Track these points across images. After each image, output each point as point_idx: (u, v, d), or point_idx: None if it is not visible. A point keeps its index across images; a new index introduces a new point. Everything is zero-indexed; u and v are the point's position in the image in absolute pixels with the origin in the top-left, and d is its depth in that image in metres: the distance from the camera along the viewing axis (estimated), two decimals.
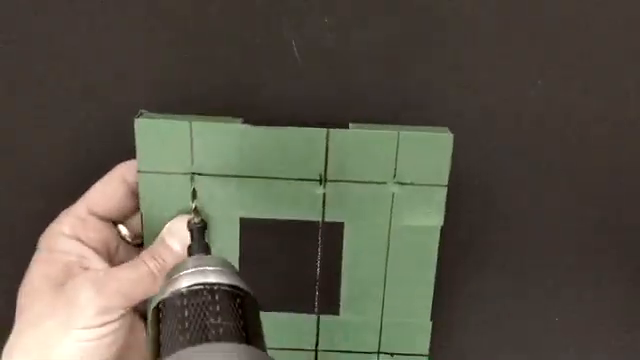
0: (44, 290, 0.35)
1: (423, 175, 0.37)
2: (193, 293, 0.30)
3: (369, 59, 0.44)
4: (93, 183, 0.39)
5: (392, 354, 0.40)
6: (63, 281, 0.35)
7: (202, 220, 0.36)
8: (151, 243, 0.39)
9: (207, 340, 0.28)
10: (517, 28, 0.44)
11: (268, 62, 0.44)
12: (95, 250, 0.37)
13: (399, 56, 0.45)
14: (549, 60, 0.45)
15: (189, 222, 0.36)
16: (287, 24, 0.44)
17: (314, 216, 0.38)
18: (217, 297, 0.30)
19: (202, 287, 0.30)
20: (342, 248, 0.39)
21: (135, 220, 0.39)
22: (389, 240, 0.38)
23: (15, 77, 0.45)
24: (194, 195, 0.37)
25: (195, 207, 0.37)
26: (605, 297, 0.45)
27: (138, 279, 0.35)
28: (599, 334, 0.45)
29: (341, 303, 0.40)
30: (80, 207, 0.38)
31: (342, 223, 0.38)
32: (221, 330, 0.28)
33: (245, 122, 0.38)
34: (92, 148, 0.45)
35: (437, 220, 0.38)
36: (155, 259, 0.36)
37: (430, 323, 0.40)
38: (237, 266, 0.39)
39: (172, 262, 0.36)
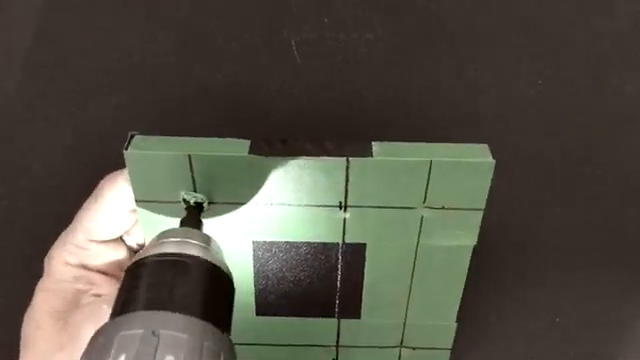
0: (48, 325, 0.33)
1: (458, 200, 0.34)
2: (166, 261, 0.29)
3: (369, 59, 0.44)
4: (93, 183, 0.37)
5: (414, 348, 0.40)
6: (69, 313, 0.33)
7: (201, 198, 0.33)
8: None
9: (162, 308, 0.27)
10: (517, 28, 0.44)
11: (268, 62, 0.44)
12: (104, 273, 0.35)
13: (399, 56, 0.45)
14: (549, 60, 0.45)
15: (184, 199, 0.33)
16: (287, 24, 0.44)
17: (333, 239, 0.36)
18: (188, 270, 0.29)
19: (176, 257, 0.29)
20: (364, 265, 0.36)
21: (139, 228, 0.37)
22: (415, 259, 0.36)
23: (17, 78, 0.45)
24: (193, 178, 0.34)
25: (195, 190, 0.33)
26: (605, 297, 0.45)
27: None
28: (599, 334, 0.45)
29: (362, 311, 0.38)
30: (78, 237, 0.35)
31: (364, 244, 0.36)
32: (182, 301, 0.28)
33: (253, 147, 0.33)
34: (92, 149, 0.45)
35: (470, 240, 0.36)
36: None
37: (455, 324, 0.39)
38: (252, 285, 0.38)
39: None
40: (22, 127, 0.45)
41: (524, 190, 0.46)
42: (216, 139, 0.33)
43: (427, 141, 0.35)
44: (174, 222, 0.33)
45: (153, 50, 0.44)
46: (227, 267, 0.31)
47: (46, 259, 0.35)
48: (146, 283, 0.28)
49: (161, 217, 0.34)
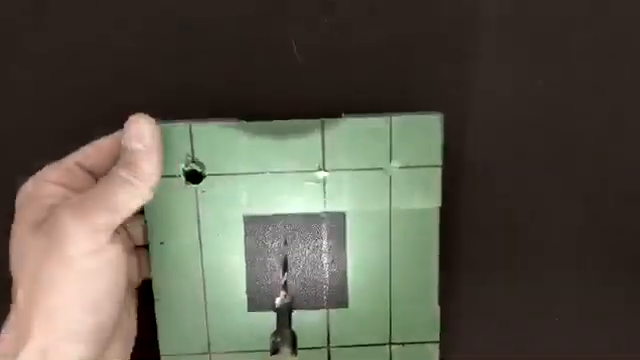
0: (30, 237, 0.34)
1: (417, 157, 0.38)
2: None
3: (369, 59, 0.44)
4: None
5: (403, 344, 0.40)
6: (48, 219, 0.34)
7: (290, 298, 0.37)
8: (157, 251, 0.38)
9: None
10: (517, 28, 0.44)
11: (268, 62, 0.44)
12: (77, 190, 0.36)
13: (399, 56, 0.45)
14: (549, 60, 0.45)
15: (276, 304, 0.37)
16: (287, 24, 0.44)
17: (316, 207, 0.38)
18: None
19: None
20: (346, 238, 0.39)
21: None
22: (390, 226, 0.39)
23: (13, 77, 0.45)
24: (285, 267, 0.39)
25: (285, 282, 0.38)
26: (605, 297, 0.45)
27: (116, 190, 0.34)
28: (599, 334, 0.45)
29: (349, 295, 0.39)
30: (69, 160, 0.37)
31: (344, 215, 0.39)
32: None
33: (241, 120, 0.38)
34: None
35: (435, 201, 0.39)
36: (126, 167, 0.35)
37: (438, 308, 0.40)
38: (243, 263, 0.39)
39: (144, 164, 0.35)
40: (17, 126, 0.45)
41: (524, 190, 0.46)
42: (210, 119, 0.38)
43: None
44: (173, 198, 0.38)
45: (152, 50, 0.44)
46: None
47: (27, 182, 0.36)
48: None
49: (164, 193, 0.37)
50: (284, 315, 0.36)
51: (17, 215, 0.35)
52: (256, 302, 0.39)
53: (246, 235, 0.38)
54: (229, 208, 0.38)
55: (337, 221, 0.39)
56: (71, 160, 0.37)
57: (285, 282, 0.38)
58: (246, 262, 0.39)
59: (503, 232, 0.46)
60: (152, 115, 0.37)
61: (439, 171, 0.39)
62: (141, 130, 0.35)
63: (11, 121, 0.45)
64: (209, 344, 0.39)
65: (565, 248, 0.46)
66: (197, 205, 0.38)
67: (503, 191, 0.46)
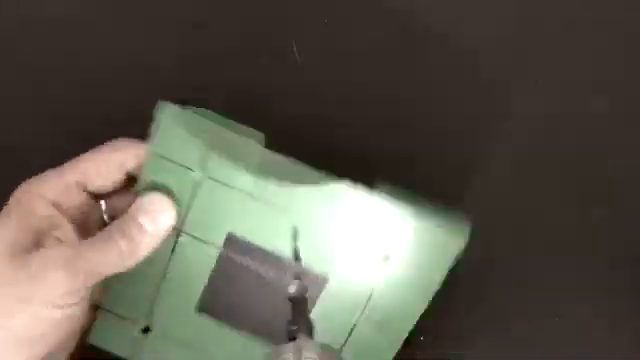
0: (6, 257, 0.32)
1: (419, 265, 0.36)
2: None
3: (369, 59, 0.44)
4: None
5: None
6: (29, 250, 0.33)
7: (304, 287, 0.35)
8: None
9: None
10: (517, 28, 0.44)
11: (268, 62, 0.44)
12: (72, 220, 0.35)
13: (399, 56, 0.45)
14: (549, 60, 0.45)
15: (290, 293, 0.35)
16: (287, 24, 0.44)
17: (304, 261, 0.37)
18: None
19: None
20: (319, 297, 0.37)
21: (116, 201, 0.37)
22: (368, 301, 0.37)
23: (14, 76, 0.45)
24: (297, 254, 0.36)
25: (299, 275, 0.36)
26: (605, 297, 0.45)
27: (108, 260, 0.33)
28: (599, 334, 0.45)
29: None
30: (70, 176, 0.35)
31: (325, 278, 0.37)
32: None
33: (268, 142, 0.36)
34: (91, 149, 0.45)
35: (424, 301, 0.37)
36: (126, 237, 0.33)
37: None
38: (210, 274, 0.37)
39: (143, 243, 0.34)
40: (18, 126, 0.45)
41: (524, 190, 0.46)
42: (238, 124, 0.36)
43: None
44: (170, 183, 0.35)
45: (152, 50, 0.44)
46: None
47: (20, 186, 0.34)
48: None
49: (164, 177, 0.35)
50: (299, 303, 0.35)
51: (3, 219, 0.34)
52: (208, 306, 0.38)
53: (224, 247, 0.37)
54: (218, 219, 0.36)
55: (316, 282, 0.37)
56: (72, 179, 0.35)
57: (298, 275, 0.36)
58: (215, 269, 0.38)
59: (501, 232, 0.46)
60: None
61: (442, 275, 0.36)
62: (157, 215, 0.34)
63: (11, 121, 0.45)
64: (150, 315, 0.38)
65: (565, 248, 0.46)
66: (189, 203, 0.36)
67: (502, 191, 0.46)
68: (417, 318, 0.37)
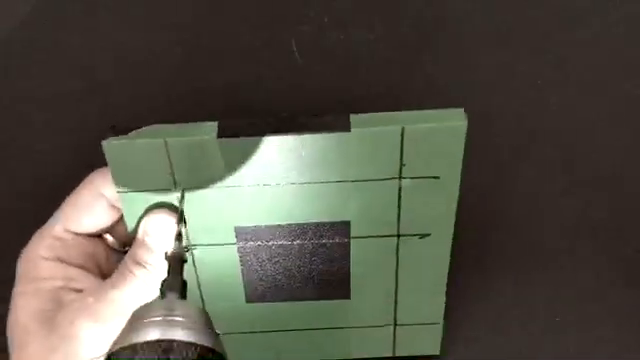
0: (35, 328, 0.32)
1: (433, 168, 0.34)
2: (151, 350, 0.27)
3: (369, 59, 0.44)
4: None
5: (407, 325, 0.39)
6: (53, 313, 0.32)
7: (185, 249, 0.33)
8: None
9: None
10: (517, 28, 0.44)
11: (268, 62, 0.44)
12: (81, 267, 0.34)
13: (399, 56, 0.45)
14: (549, 60, 0.45)
15: (167, 253, 0.32)
16: (287, 24, 0.44)
17: (317, 218, 0.36)
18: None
19: (164, 345, 0.27)
20: (349, 244, 0.37)
21: (121, 227, 0.36)
22: (399, 234, 0.36)
23: (14, 76, 0.45)
24: (182, 217, 0.34)
25: (179, 233, 0.33)
26: (605, 297, 0.45)
27: (131, 294, 0.32)
28: (599, 334, 0.45)
29: (352, 292, 0.38)
30: (55, 227, 0.34)
31: (348, 221, 0.36)
32: None
33: (222, 128, 0.33)
34: (90, 149, 0.45)
35: (451, 209, 0.35)
36: (140, 265, 0.33)
37: (444, 296, 0.38)
38: (239, 273, 0.38)
39: (157, 264, 0.33)
40: (18, 127, 0.45)
41: (524, 190, 0.46)
42: (189, 124, 0.33)
43: None
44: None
45: (153, 50, 0.44)
46: (220, 344, 0.29)
47: (19, 260, 0.34)
48: None
49: (143, 205, 0.34)
50: (176, 261, 0.32)
51: (18, 299, 0.33)
52: (256, 293, 0.39)
53: (238, 241, 0.36)
54: (218, 220, 0.36)
55: (341, 230, 0.36)
56: (59, 228, 0.34)
57: (180, 233, 0.33)
58: (240, 261, 0.38)
59: (501, 232, 0.46)
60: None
61: (457, 182, 0.35)
62: (162, 231, 0.33)
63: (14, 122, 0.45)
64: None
65: (565, 248, 0.46)
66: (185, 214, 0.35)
67: (502, 191, 0.46)
68: (453, 220, 0.36)
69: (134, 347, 0.27)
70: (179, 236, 0.33)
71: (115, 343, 0.28)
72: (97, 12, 0.44)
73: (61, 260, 0.34)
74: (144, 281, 0.33)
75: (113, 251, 0.36)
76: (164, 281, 0.31)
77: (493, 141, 0.46)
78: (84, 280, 0.34)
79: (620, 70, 0.45)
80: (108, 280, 0.33)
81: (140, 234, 0.34)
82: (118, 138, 0.33)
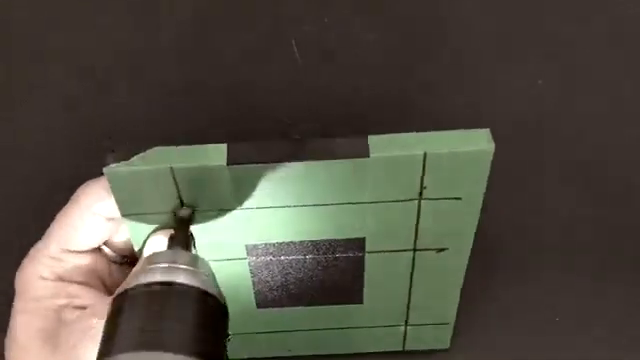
0: (36, 348, 0.31)
1: (455, 190, 0.33)
2: (154, 292, 0.28)
3: (369, 59, 0.44)
4: None
5: (418, 325, 0.40)
6: (55, 332, 0.31)
7: (191, 211, 0.33)
8: None
9: (153, 347, 0.26)
10: (517, 28, 0.44)
11: (268, 62, 0.44)
12: (83, 284, 0.33)
13: (399, 56, 0.45)
14: (549, 60, 0.45)
15: (175, 212, 0.32)
16: (287, 24, 0.44)
17: (330, 236, 0.35)
18: (178, 300, 0.28)
19: (165, 286, 0.28)
20: (364, 259, 0.36)
21: (118, 238, 0.35)
22: (415, 250, 0.36)
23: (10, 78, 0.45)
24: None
25: (182, 201, 0.32)
26: (605, 297, 0.45)
27: None
28: (599, 334, 0.45)
29: (365, 299, 0.38)
30: (50, 247, 0.33)
31: (363, 238, 0.35)
32: (172, 337, 0.27)
33: (231, 153, 0.32)
34: (90, 148, 0.45)
35: (469, 235, 0.35)
36: None
37: (458, 299, 0.38)
38: (250, 284, 0.37)
39: None
40: (13, 125, 0.45)
41: (524, 190, 0.46)
42: (196, 147, 0.32)
43: None
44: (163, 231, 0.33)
45: (152, 50, 0.44)
46: (219, 290, 0.30)
47: (17, 277, 0.33)
48: (132, 319, 0.27)
49: (149, 226, 0.33)
50: (184, 223, 0.32)
51: (18, 317, 0.32)
52: (266, 300, 0.39)
53: (249, 256, 0.36)
54: (228, 239, 0.35)
55: (356, 244, 0.35)
56: (55, 249, 0.33)
57: (182, 201, 0.33)
58: (251, 274, 0.37)
59: (501, 232, 0.46)
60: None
61: (479, 201, 0.33)
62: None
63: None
64: None
65: (565, 248, 0.46)
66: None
67: (502, 191, 0.46)
68: (472, 236, 0.35)
69: (135, 288, 0.28)
70: (182, 205, 0.32)
71: (121, 286, 0.29)
72: (95, 11, 0.44)
73: (61, 278, 0.33)
74: None
75: (113, 263, 0.35)
76: (172, 236, 0.32)
77: (494, 141, 0.46)
78: (86, 296, 0.33)
79: (621, 70, 0.45)
80: (109, 297, 0.32)
81: (146, 254, 0.32)
82: (120, 165, 0.31)
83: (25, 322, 0.32)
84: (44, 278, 0.33)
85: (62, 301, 0.32)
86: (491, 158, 0.33)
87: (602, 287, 0.45)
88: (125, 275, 0.33)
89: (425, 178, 0.32)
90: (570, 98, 0.45)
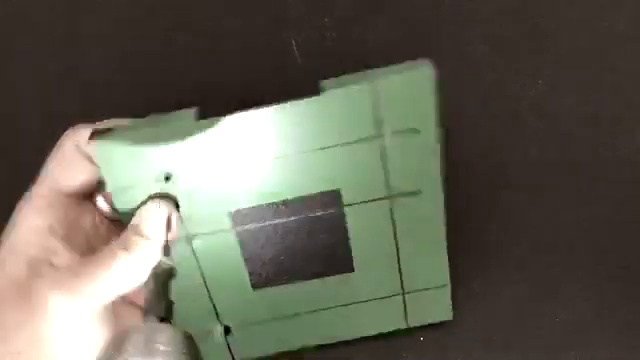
0: (9, 297, 0.31)
1: (409, 120, 0.34)
2: None
3: (369, 59, 0.44)
4: None
5: (415, 291, 0.40)
6: (28, 282, 0.31)
7: (171, 267, 0.33)
8: None
9: None
10: (518, 28, 0.44)
11: (268, 62, 0.44)
12: (66, 239, 0.33)
13: (399, 56, 0.45)
14: (549, 60, 0.45)
15: (155, 267, 0.32)
16: (287, 24, 0.44)
17: (306, 190, 0.36)
18: None
19: None
20: (344, 213, 0.37)
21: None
22: (390, 194, 0.36)
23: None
24: (177, 206, 0.35)
25: (167, 242, 0.33)
26: (605, 297, 0.45)
27: (110, 276, 0.31)
28: (599, 334, 0.45)
29: (355, 262, 0.39)
30: (42, 187, 0.34)
31: (338, 190, 0.36)
32: None
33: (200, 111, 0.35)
34: None
35: (435, 167, 0.36)
36: (128, 250, 0.32)
37: (446, 256, 0.39)
38: (241, 259, 0.38)
39: (148, 251, 0.32)
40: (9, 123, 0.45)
41: (524, 190, 0.46)
42: (166, 114, 0.35)
43: None
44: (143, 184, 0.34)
45: (152, 50, 0.44)
46: None
47: (9, 223, 0.33)
48: None
49: (136, 200, 0.34)
50: (162, 281, 0.32)
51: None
52: (261, 278, 0.39)
53: (235, 225, 0.37)
54: (212, 206, 0.36)
55: (333, 199, 0.36)
56: (43, 188, 0.34)
57: (167, 243, 0.33)
58: (240, 247, 0.38)
59: (501, 232, 0.46)
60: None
61: (434, 133, 0.35)
62: (156, 221, 0.33)
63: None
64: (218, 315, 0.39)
65: (565, 248, 0.46)
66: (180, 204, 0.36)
67: (502, 191, 0.46)
68: (440, 176, 0.36)
69: None
70: (166, 248, 0.33)
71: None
72: (95, 11, 0.44)
73: (48, 228, 0.33)
74: (126, 266, 0.32)
75: (103, 219, 0.36)
76: (147, 302, 0.31)
77: (494, 141, 0.46)
78: (65, 255, 0.33)
79: (621, 70, 0.45)
80: (91, 257, 0.32)
81: (135, 220, 0.33)
82: (102, 138, 0.33)
83: (3, 270, 0.32)
84: (30, 225, 0.33)
85: (42, 254, 0.32)
86: (432, 82, 0.34)
87: (602, 287, 0.45)
88: (112, 233, 0.34)
89: (380, 111, 0.34)
90: (570, 98, 0.45)
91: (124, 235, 0.33)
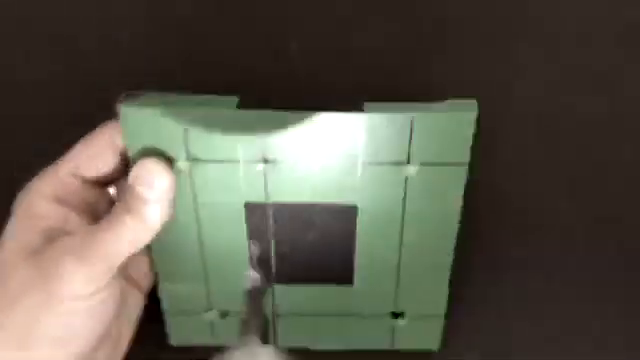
0: (19, 262, 0.32)
1: (441, 155, 0.35)
2: None
3: (369, 59, 0.44)
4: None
5: (407, 315, 0.40)
6: (41, 249, 0.32)
7: (264, 280, 0.34)
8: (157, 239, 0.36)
9: None
10: (517, 28, 0.44)
11: (268, 62, 0.44)
12: (79, 211, 0.34)
13: (399, 56, 0.45)
14: (549, 60, 0.45)
15: (247, 287, 0.33)
16: (287, 24, 0.44)
17: (324, 199, 0.36)
18: None
19: None
20: (355, 228, 0.37)
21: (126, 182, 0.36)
22: (403, 221, 0.37)
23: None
24: (249, 226, 0.35)
25: (257, 258, 0.35)
26: (605, 297, 0.45)
27: (117, 239, 0.32)
28: (599, 334, 0.45)
29: (355, 277, 0.39)
30: (62, 168, 0.35)
31: (355, 206, 0.36)
32: None
33: (242, 102, 0.35)
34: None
35: (456, 203, 0.36)
36: (130, 211, 0.33)
37: (447, 286, 0.39)
38: (246, 251, 0.38)
39: (148, 212, 0.33)
40: (9, 119, 0.45)
41: (524, 190, 0.46)
42: (208, 96, 0.34)
43: None
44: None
45: (152, 50, 0.44)
46: None
47: (20, 194, 0.34)
48: None
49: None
50: (255, 297, 0.33)
51: (8, 233, 0.33)
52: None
53: (248, 219, 0.36)
54: (228, 196, 0.36)
55: (348, 213, 0.37)
56: (65, 170, 0.35)
57: (253, 257, 0.35)
58: (248, 239, 0.38)
59: (501, 233, 0.46)
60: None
61: (464, 170, 0.35)
62: (153, 179, 0.33)
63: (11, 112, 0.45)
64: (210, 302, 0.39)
65: (565, 248, 0.46)
66: (194, 189, 0.36)
67: (503, 191, 0.46)
68: (460, 206, 0.36)
69: None
70: (260, 263, 0.34)
71: None
72: (95, 11, 0.44)
73: (61, 202, 0.34)
74: (131, 228, 0.33)
75: (112, 204, 0.36)
76: (244, 322, 0.32)
77: (495, 141, 0.46)
78: (76, 225, 0.34)
79: (621, 70, 0.45)
80: (97, 224, 0.33)
81: (130, 180, 0.34)
82: (134, 103, 0.33)
83: (14, 237, 0.33)
84: (45, 197, 0.34)
85: (54, 223, 0.33)
86: (474, 124, 0.34)
87: (602, 287, 0.45)
88: None
89: (414, 141, 0.34)
90: (570, 98, 0.45)
91: (124, 198, 0.33)
